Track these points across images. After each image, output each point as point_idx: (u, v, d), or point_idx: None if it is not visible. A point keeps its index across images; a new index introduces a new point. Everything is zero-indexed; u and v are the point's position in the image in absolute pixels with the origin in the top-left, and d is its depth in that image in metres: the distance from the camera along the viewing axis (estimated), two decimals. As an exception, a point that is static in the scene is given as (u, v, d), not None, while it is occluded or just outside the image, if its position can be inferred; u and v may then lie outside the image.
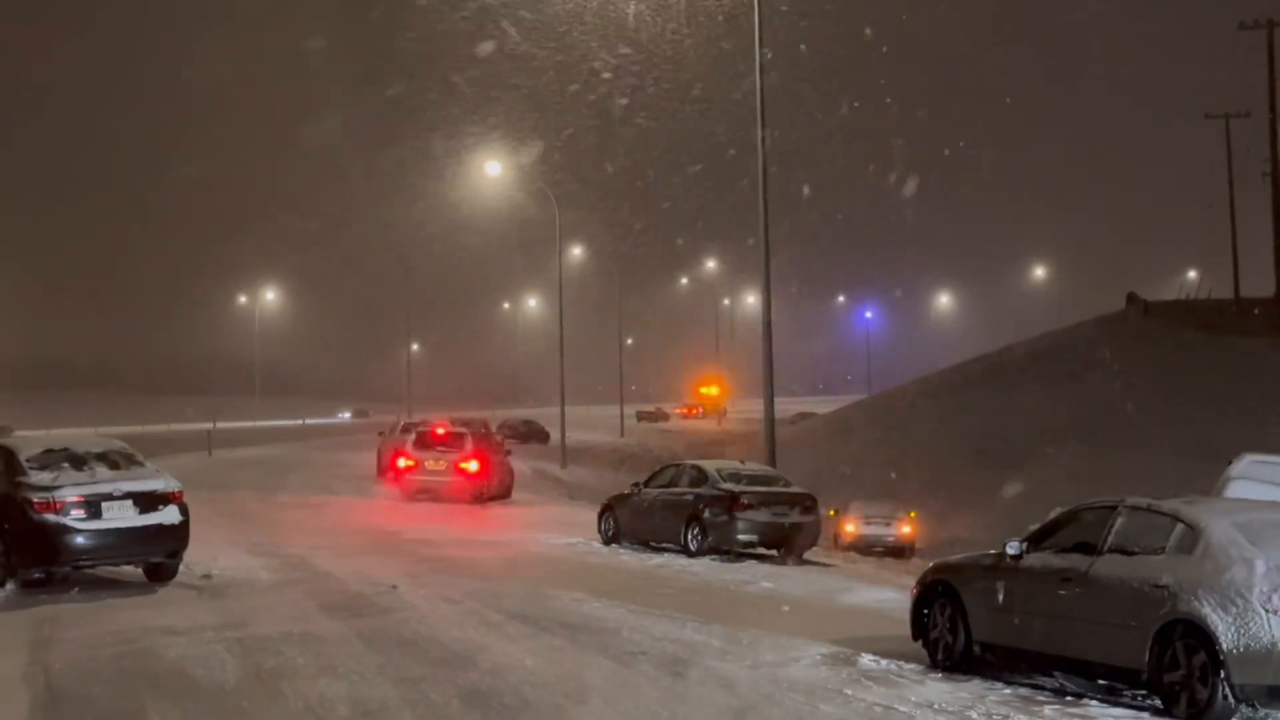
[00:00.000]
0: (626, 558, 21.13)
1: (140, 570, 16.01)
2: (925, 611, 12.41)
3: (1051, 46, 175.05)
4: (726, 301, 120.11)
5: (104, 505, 14.88)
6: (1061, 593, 10.92)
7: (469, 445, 32.21)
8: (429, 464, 31.66)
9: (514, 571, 18.22)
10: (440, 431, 33.75)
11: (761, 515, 21.41)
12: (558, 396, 55.71)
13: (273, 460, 48.62)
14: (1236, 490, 15.77)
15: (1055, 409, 46.15)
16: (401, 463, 32.40)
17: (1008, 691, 10.93)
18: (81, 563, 15.18)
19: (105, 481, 15.16)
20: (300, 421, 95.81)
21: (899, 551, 31.01)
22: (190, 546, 16.04)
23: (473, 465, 31.74)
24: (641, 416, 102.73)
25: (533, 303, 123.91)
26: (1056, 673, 11.25)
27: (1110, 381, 47.47)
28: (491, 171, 54.37)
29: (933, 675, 11.59)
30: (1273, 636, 9.32)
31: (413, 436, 33.62)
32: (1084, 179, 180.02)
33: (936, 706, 10.15)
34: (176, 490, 15.67)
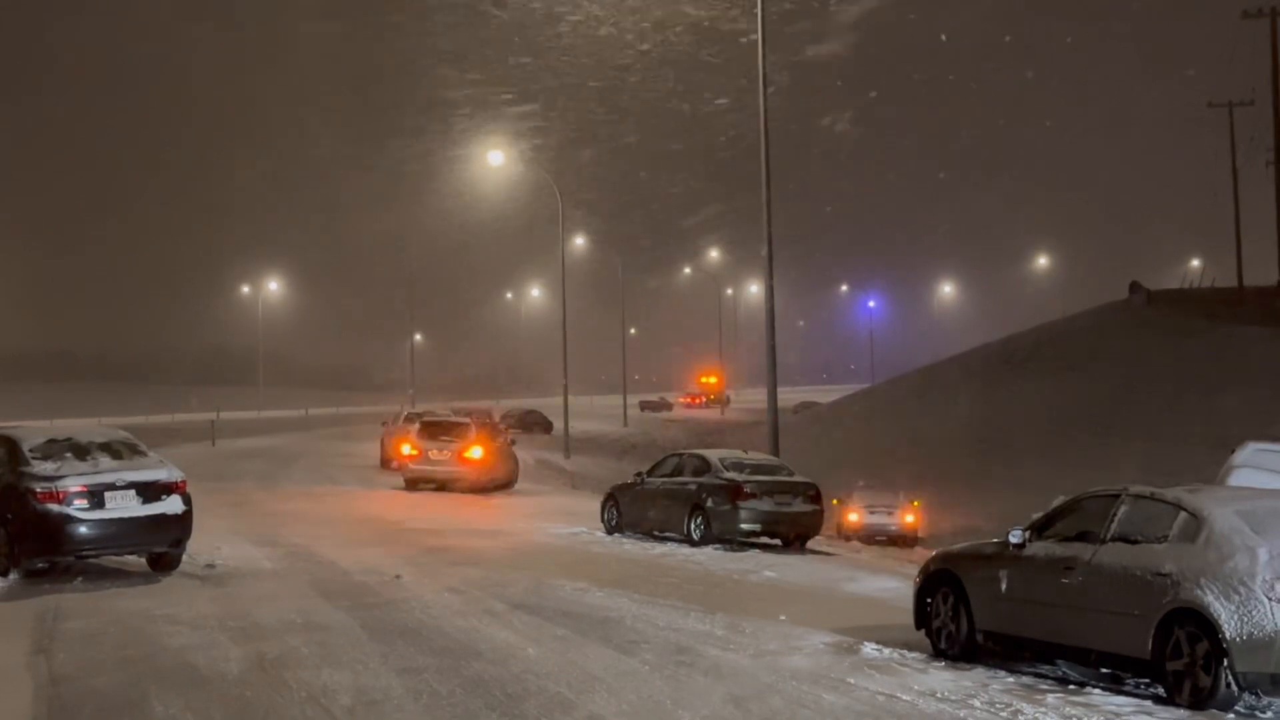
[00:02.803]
0: (630, 547, 21.14)
1: (143, 560, 16.04)
2: (928, 600, 12.41)
3: (1055, 36, 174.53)
4: (730, 291, 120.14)
5: (107, 495, 14.90)
6: (1064, 581, 10.92)
7: (473, 434, 32.32)
8: (433, 453, 31.76)
9: (517, 561, 18.24)
10: (443, 420, 33.89)
11: (764, 504, 21.41)
12: (560, 386, 55.70)
13: (276, 450, 48.66)
14: (1240, 478, 15.76)
15: (1059, 398, 46.12)
16: (405, 450, 32.51)
17: (1011, 680, 10.93)
18: (85, 552, 15.21)
19: (108, 471, 15.18)
20: (304, 411, 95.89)
21: (902, 540, 30.96)
22: (193, 536, 16.08)
23: (476, 454, 31.82)
24: (644, 406, 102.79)
25: (536, 293, 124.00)
26: (1059, 661, 11.26)
27: (1114, 370, 47.41)
28: (495, 161, 54.32)
29: (936, 664, 11.59)
30: (1275, 624, 9.31)
31: (417, 425, 33.70)
32: (1087, 168, 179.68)
33: (939, 695, 10.15)
34: (180, 480, 15.70)
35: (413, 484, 31.93)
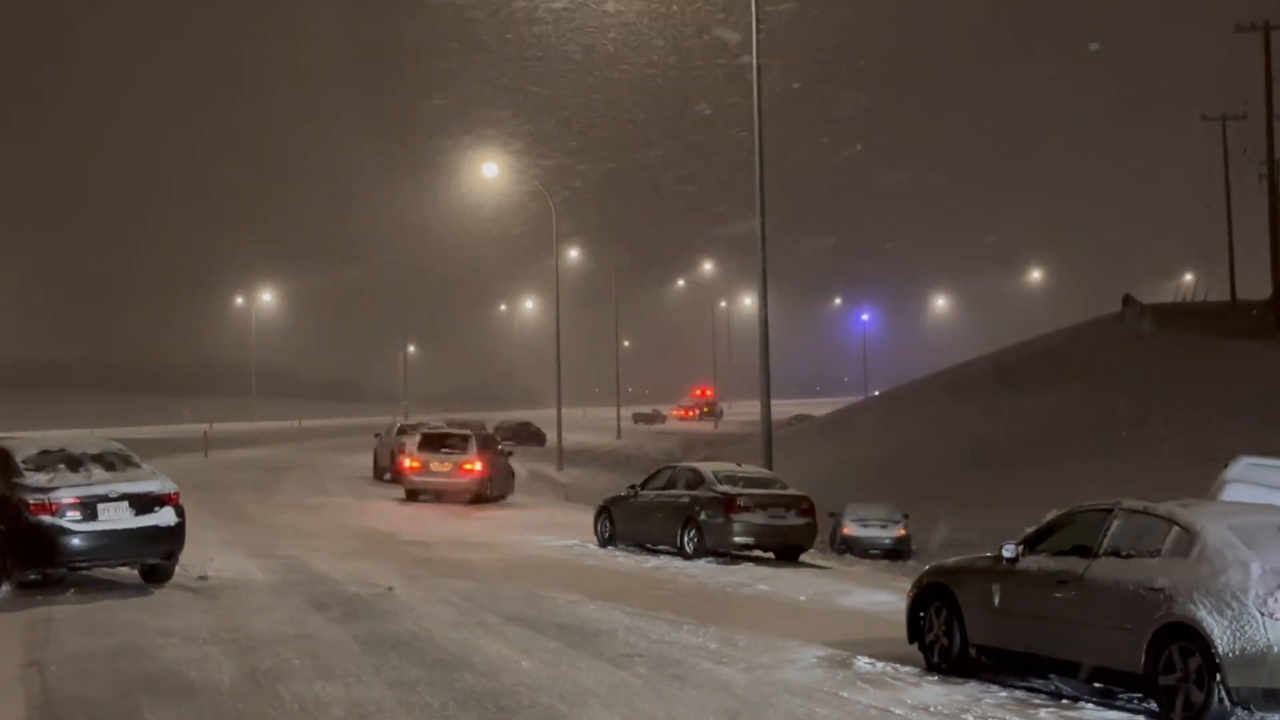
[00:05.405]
0: (623, 560, 21.13)
1: (136, 572, 16.00)
2: (921, 614, 12.42)
3: (1048, 47, 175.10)
4: (724, 304, 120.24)
5: (100, 507, 14.87)
6: (1057, 595, 10.94)
7: (473, 447, 32.48)
8: (434, 464, 31.93)
9: (510, 573, 18.23)
10: (443, 433, 34.06)
11: (758, 518, 21.41)
12: (553, 398, 55.66)
13: (269, 462, 48.58)
14: (1232, 493, 15.75)
15: (1052, 411, 46.14)
16: (407, 462, 32.66)
17: (1004, 694, 10.94)
18: (77, 564, 15.16)
19: (101, 483, 15.15)
20: (297, 423, 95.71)
21: (895, 554, 30.99)
22: (186, 548, 16.04)
23: (477, 466, 32.01)
24: (638, 418, 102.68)
25: (529, 304, 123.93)
26: (1052, 675, 11.26)
27: (1106, 384, 47.45)
28: (489, 174, 54.33)
29: (929, 678, 11.60)
30: (1268, 639, 9.33)
31: (417, 438, 33.82)
32: (1080, 181, 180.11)
33: (932, 709, 10.16)
34: (173, 492, 15.66)
35: (413, 495, 32.07)
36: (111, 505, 14.98)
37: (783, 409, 60.99)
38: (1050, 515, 12.25)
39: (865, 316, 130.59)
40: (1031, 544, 11.64)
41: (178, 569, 16.10)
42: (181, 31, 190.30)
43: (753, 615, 15.08)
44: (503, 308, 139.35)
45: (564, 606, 15.00)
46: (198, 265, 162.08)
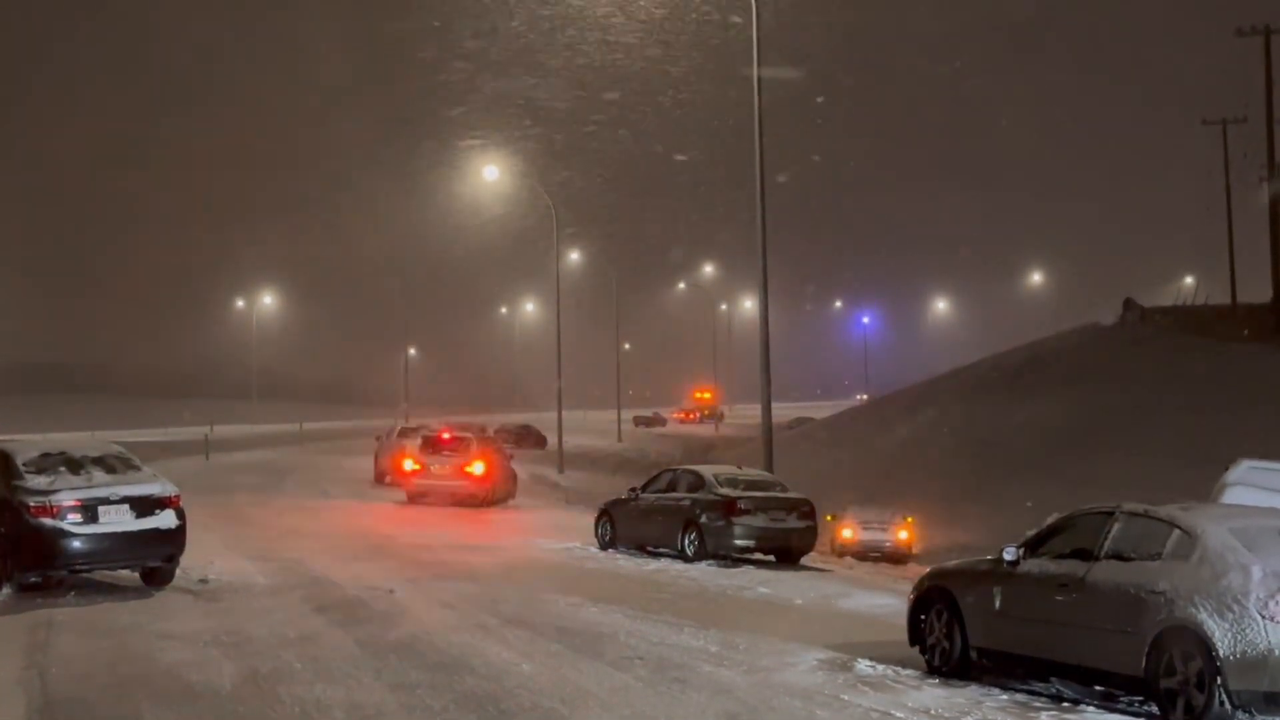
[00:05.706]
0: (623, 563, 21.13)
1: (137, 575, 16.00)
2: (922, 617, 12.42)
3: (1048, 52, 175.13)
4: (724, 306, 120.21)
5: (100, 510, 14.87)
6: (1058, 598, 10.93)
7: (474, 449, 32.46)
8: (434, 467, 31.93)
9: (510, 576, 18.23)
10: (445, 435, 34.05)
11: (758, 520, 21.41)
12: (554, 401, 55.65)
13: (270, 464, 48.59)
14: (1233, 496, 15.77)
15: (1052, 414, 46.13)
16: (407, 465, 32.66)
17: (1004, 697, 10.93)
18: (78, 567, 15.18)
19: (102, 486, 15.15)
20: (297, 425, 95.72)
21: (896, 557, 30.95)
22: (187, 551, 16.05)
23: (478, 469, 31.99)
24: (638, 421, 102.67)
25: (530, 307, 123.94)
26: (1053, 678, 11.26)
27: (1107, 387, 47.43)
28: (489, 176, 54.31)
29: (929, 681, 11.60)
30: (1269, 642, 9.33)
31: (418, 440, 33.81)
32: (1081, 184, 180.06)
33: (933, 712, 10.16)
34: (173, 495, 15.67)
35: (414, 497, 32.05)
36: (112, 508, 14.98)
37: (783, 412, 60.95)
38: (1051, 518, 12.25)
39: (866, 319, 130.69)
40: (1032, 547, 11.64)
41: (178, 572, 16.10)
42: (182, 31, 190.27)
43: (753, 618, 15.08)
44: (503, 311, 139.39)
45: (565, 609, 15.00)
46: (198, 267, 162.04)
